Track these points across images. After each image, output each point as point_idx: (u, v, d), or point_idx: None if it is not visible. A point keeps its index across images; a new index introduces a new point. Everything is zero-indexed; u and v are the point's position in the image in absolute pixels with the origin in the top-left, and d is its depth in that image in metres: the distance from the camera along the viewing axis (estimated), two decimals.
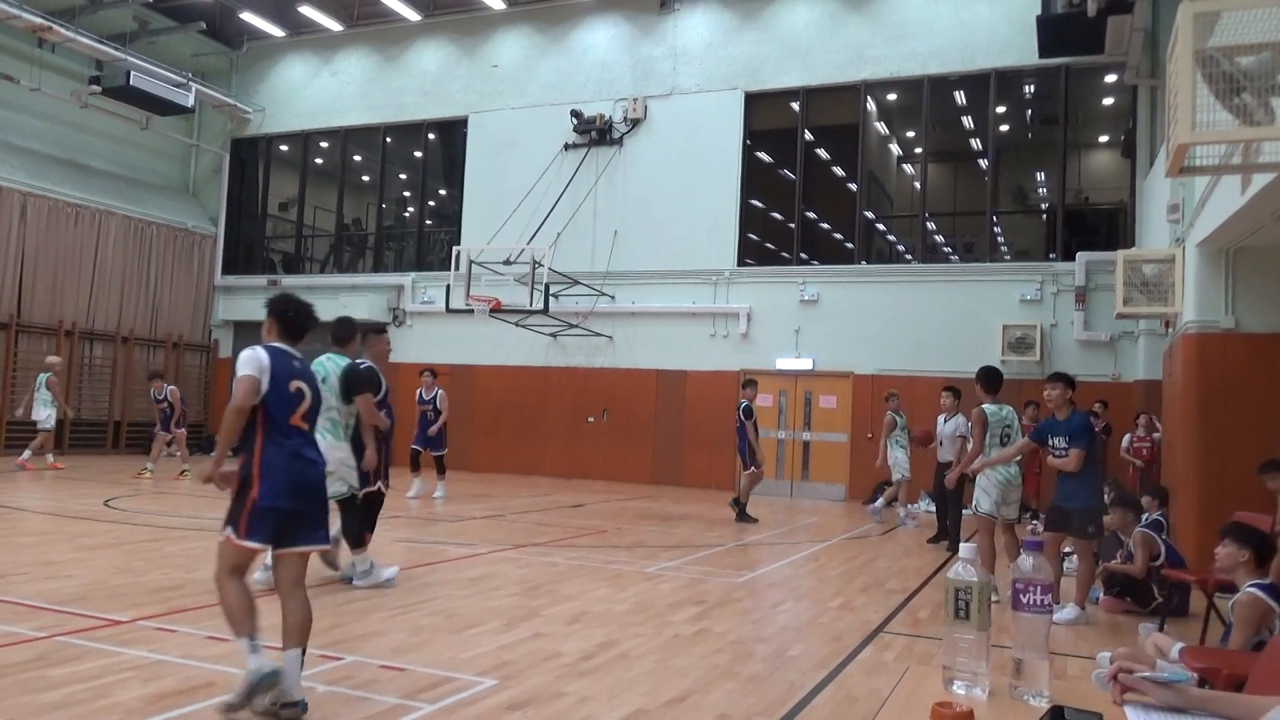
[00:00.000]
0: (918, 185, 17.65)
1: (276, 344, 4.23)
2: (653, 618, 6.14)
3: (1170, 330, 11.69)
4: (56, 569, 6.88)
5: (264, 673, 3.73)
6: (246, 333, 22.16)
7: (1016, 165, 18.43)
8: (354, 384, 6.75)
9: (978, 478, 7.55)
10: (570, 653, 5.14)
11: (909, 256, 17.72)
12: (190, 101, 20.17)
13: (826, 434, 17.01)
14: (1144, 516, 7.64)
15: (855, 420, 16.70)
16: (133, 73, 18.85)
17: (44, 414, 15.04)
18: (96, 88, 19.09)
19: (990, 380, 7.78)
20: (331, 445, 6.42)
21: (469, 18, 20.45)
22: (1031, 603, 2.40)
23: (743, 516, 12.15)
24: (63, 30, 18.07)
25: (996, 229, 17.36)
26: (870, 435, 16.36)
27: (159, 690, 4.10)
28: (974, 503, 7.57)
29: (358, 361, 7.00)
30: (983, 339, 15.71)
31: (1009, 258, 17.31)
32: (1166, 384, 11.55)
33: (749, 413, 12.25)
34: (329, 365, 6.80)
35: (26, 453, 15.17)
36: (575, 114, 19.01)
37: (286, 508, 3.97)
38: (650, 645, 5.40)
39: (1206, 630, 6.17)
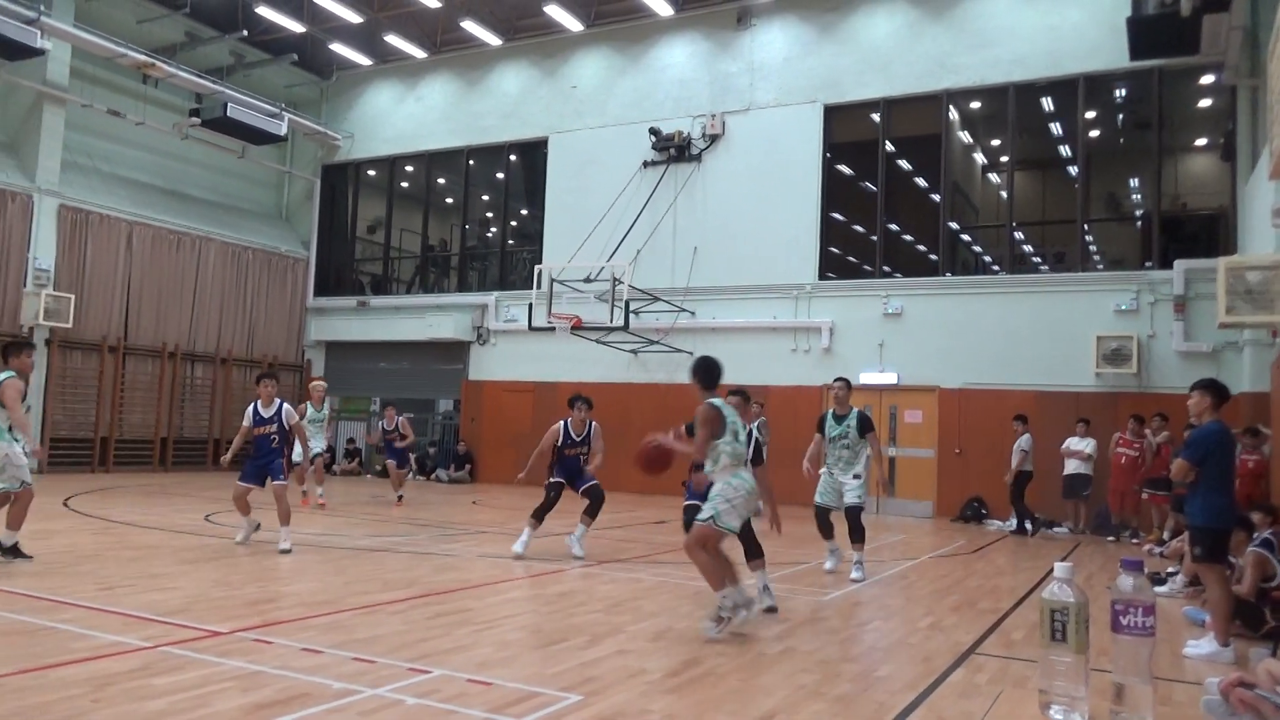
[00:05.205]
0: (1004, 194, 17.24)
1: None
2: (737, 635, 6.09)
3: (1278, 340, 11.15)
4: (161, 581, 7.17)
5: None
6: (338, 352, 22.84)
7: (1108, 171, 17.84)
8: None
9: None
10: (654, 670, 5.12)
11: (996, 267, 17.29)
12: (283, 130, 20.96)
13: (913, 449, 16.69)
14: (1254, 535, 7.28)
15: (942, 435, 16.35)
16: (230, 104, 19.71)
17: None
18: (196, 120, 20.00)
19: None
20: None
21: (548, 40, 20.80)
22: (1133, 625, 2.31)
23: None
24: (165, 66, 18.99)
25: (1088, 237, 16.82)
26: (959, 450, 16.00)
27: (257, 700, 4.22)
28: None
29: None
30: (1076, 351, 15.24)
31: (1102, 267, 16.75)
32: (1275, 396, 11.02)
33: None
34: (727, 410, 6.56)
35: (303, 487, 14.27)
36: (654, 131, 19.14)
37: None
38: (735, 663, 5.36)
39: None
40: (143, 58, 18.68)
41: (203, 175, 21.80)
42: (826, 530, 9.22)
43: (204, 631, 5.50)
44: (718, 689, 4.81)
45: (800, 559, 10.11)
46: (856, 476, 9.00)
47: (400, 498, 14.73)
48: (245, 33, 20.51)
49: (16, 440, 7.80)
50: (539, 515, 9.34)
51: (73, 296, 18.01)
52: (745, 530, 6.77)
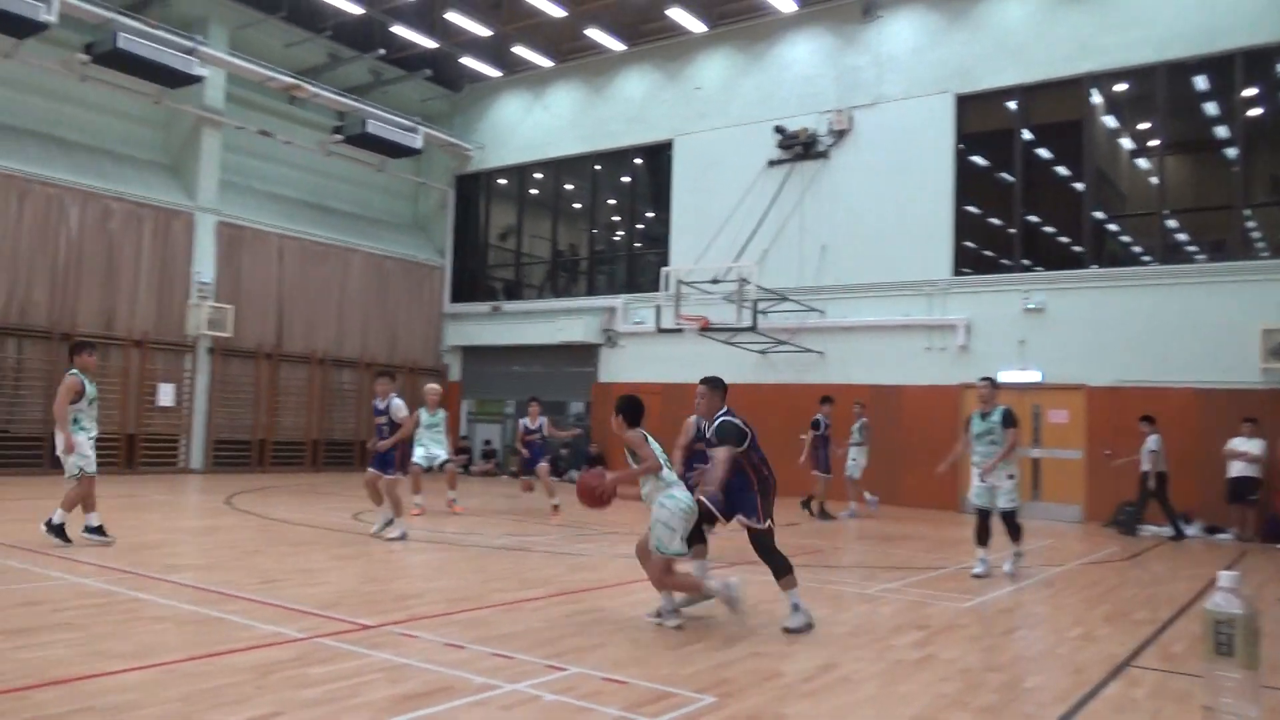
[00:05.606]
0: (1154, 180, 16.30)
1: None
2: (874, 641, 5.97)
3: None
4: (315, 576, 7.55)
5: None
6: (474, 357, 23.56)
7: (1272, 152, 16.61)
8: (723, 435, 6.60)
9: None
10: (790, 673, 5.08)
11: (1147, 258, 16.35)
12: (419, 143, 21.78)
13: (1058, 450, 15.97)
14: None
15: (1091, 435, 15.58)
16: (369, 121, 20.62)
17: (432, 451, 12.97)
18: (339, 137, 21.02)
19: None
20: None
21: (671, 43, 20.90)
22: None
23: None
24: (310, 87, 20.03)
25: (1250, 223, 15.71)
26: (1108, 452, 15.19)
27: (404, 692, 4.40)
28: None
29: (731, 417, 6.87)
30: (1238, 345, 14.27)
31: (1267, 255, 15.61)
32: None
33: None
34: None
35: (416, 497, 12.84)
36: (779, 129, 18.96)
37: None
38: (872, 669, 5.25)
39: None
40: (290, 80, 19.76)
41: (345, 189, 22.87)
42: (984, 535, 9.11)
43: (354, 625, 5.76)
44: (854, 695, 4.73)
45: (938, 564, 9.82)
46: (1010, 477, 9.02)
47: (556, 506, 12.91)
48: (383, 51, 21.40)
49: (84, 430, 8.47)
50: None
51: (231, 307, 19.19)
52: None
